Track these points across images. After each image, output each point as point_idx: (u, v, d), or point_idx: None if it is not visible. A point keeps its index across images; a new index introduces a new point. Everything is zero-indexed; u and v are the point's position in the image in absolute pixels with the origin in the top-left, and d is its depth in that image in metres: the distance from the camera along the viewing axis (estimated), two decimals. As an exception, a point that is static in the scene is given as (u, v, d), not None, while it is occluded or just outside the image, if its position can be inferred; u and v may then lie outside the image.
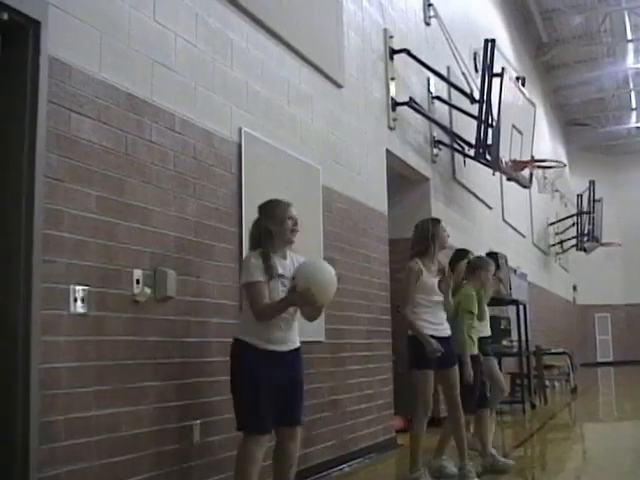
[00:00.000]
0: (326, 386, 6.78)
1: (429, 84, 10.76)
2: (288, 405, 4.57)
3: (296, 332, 4.68)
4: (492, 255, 11.72)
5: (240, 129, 5.70)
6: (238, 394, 4.48)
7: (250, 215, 4.98)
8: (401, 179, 10.15)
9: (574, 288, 27.60)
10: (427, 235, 6.28)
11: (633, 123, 27.73)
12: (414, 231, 6.50)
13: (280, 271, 4.54)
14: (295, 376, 4.63)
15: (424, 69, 10.29)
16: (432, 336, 6.05)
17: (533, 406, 12.28)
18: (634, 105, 26.32)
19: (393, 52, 9.42)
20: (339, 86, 7.74)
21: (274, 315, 4.47)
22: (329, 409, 6.80)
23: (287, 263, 4.64)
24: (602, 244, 25.29)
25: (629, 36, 20.78)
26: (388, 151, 9.04)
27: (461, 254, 7.45)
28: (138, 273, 4.42)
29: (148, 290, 4.45)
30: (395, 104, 9.30)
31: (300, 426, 4.67)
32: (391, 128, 9.21)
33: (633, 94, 25.42)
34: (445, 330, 6.27)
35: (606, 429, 11.09)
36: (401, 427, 8.79)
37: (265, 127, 6.12)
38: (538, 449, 8.79)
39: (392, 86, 9.28)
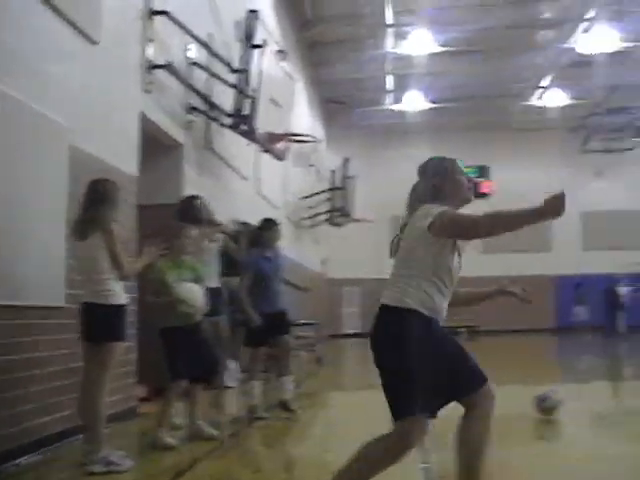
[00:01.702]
0: (68, 352, 6.53)
1: (189, 49, 10.58)
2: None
3: None
4: (244, 225, 11.89)
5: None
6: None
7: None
8: (155, 144, 9.94)
9: (325, 262, 28.49)
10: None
11: (388, 105, 28.91)
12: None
13: None
14: None
15: (185, 33, 10.10)
16: None
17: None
18: (389, 88, 27.44)
19: (153, 12, 9.17)
20: (94, 42, 7.43)
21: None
22: (69, 377, 6.54)
23: None
24: (354, 220, 26.20)
25: (389, 21, 21.54)
26: (142, 114, 8.81)
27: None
28: None
29: None
30: (152, 66, 9.06)
31: None
32: (147, 91, 8.97)
33: (390, 77, 26.46)
34: None
35: (349, 397, 11.54)
36: (145, 396, 8.68)
37: (7, 79, 5.74)
38: (283, 416, 8.95)
39: (150, 48, 9.04)
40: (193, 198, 8.25)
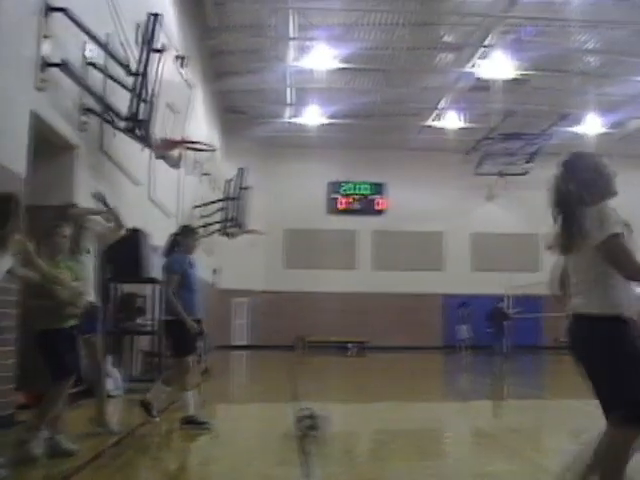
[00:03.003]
0: None
1: (86, 49, 10.33)
2: None
3: None
4: (135, 231, 11.68)
5: None
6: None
7: None
8: (47, 144, 9.65)
9: (215, 271, 28.25)
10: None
11: (287, 118, 28.97)
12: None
13: None
14: None
15: (82, 32, 9.85)
16: None
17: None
18: (290, 101, 27.49)
19: (50, 9, 8.91)
20: (-17, 36, 7.17)
21: None
22: None
23: None
24: (246, 231, 26.08)
25: (292, 34, 21.59)
26: (34, 113, 8.54)
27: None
28: None
29: None
30: (46, 64, 8.80)
31: None
32: (39, 89, 8.70)
33: (290, 90, 26.50)
34: None
35: (236, 410, 11.44)
36: (25, 402, 8.38)
37: None
38: (165, 427, 8.78)
39: (45, 45, 8.78)
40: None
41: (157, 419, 8.29)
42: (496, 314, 26.57)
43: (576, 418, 9.86)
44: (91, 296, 7.51)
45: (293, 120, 28.90)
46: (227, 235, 24.89)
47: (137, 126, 10.50)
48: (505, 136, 28.27)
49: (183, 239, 8.56)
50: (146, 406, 8.24)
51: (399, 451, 7.30)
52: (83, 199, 9.25)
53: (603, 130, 28.30)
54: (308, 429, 7.29)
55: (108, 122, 11.17)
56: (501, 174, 30.88)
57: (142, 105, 10.43)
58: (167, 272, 8.46)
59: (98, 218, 8.04)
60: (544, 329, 30.82)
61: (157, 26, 10.58)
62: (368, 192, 33.33)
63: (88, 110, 10.44)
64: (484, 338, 26.87)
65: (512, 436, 8.43)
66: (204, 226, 22.99)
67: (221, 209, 24.22)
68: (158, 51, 10.66)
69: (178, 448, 7.61)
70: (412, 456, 7.09)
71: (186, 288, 8.26)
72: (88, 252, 7.54)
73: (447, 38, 22.58)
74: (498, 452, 7.33)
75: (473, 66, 22.97)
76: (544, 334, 30.94)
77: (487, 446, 7.86)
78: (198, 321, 8.34)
